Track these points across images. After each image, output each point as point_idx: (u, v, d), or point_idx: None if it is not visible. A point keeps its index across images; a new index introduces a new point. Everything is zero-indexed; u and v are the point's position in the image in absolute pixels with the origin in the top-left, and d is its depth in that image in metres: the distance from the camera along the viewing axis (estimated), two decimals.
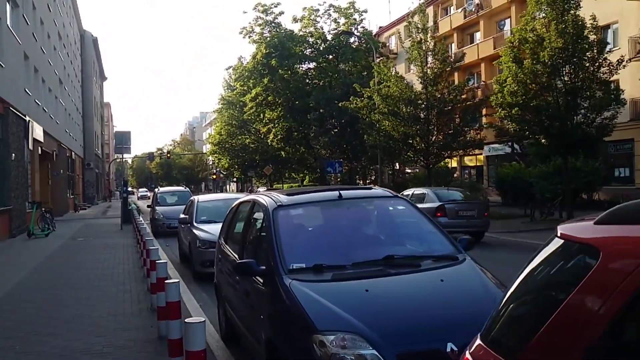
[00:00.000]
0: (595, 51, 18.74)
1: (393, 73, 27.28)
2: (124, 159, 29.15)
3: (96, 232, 23.27)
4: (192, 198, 13.86)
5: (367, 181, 53.65)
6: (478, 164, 45.57)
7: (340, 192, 5.43)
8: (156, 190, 24.58)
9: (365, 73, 39.95)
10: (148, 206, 23.62)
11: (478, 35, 45.18)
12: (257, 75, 44.31)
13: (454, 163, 45.31)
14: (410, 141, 26.30)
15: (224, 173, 73.41)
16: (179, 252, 14.64)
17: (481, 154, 32.44)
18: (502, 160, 41.07)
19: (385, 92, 26.85)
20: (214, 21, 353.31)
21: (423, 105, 26.14)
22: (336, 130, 37.81)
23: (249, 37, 44.35)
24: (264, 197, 5.67)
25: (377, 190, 6.39)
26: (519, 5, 40.95)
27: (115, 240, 19.62)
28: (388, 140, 27.00)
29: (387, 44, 51.10)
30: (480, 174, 45.57)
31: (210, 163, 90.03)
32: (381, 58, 45.05)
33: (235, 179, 74.39)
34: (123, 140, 24.63)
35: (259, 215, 5.60)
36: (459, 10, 46.59)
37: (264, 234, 5.10)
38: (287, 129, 44.72)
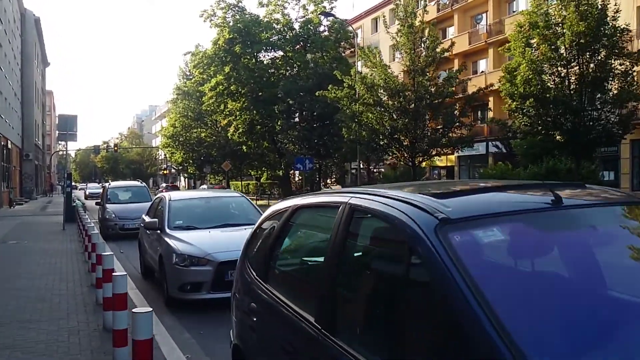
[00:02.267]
0: (618, 37, 16.57)
1: (379, 60, 24.61)
2: (67, 152, 24.87)
3: (33, 232, 19.55)
4: (161, 196, 10.68)
5: (331, 180, 50.99)
6: (449, 164, 43.59)
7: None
8: (106, 185, 20.97)
9: (335, 64, 37.21)
10: (97, 203, 20.05)
11: (452, 30, 43.27)
12: (219, 63, 40.91)
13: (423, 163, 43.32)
14: (397, 136, 23.68)
15: (177, 168, 69.19)
16: (140, 264, 11.44)
17: (452, 153, 30.25)
18: (475, 161, 39.21)
19: (370, 80, 24.13)
20: (169, 5, 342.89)
21: (412, 97, 23.57)
22: (304, 124, 34.82)
23: (210, 20, 40.91)
24: (380, 199, 2.70)
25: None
26: None
27: (57, 244, 16.07)
28: (372, 135, 24.27)
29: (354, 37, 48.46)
30: (452, 175, 43.64)
31: (162, 157, 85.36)
32: (351, 49, 42.51)
33: (186, 175, 70.15)
34: (68, 125, 20.81)
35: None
36: (432, 3, 44.50)
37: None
38: (249, 122, 41.47)
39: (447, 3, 42.82)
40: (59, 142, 20.98)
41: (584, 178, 24.50)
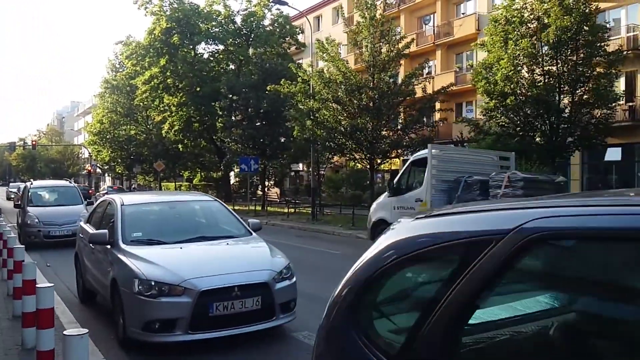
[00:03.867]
0: (600, 35, 15.61)
1: (337, 54, 22.81)
2: None
3: None
4: (108, 199, 8.33)
5: (269, 183, 48.61)
6: (393, 168, 42.47)
7: None
8: (27, 184, 17.90)
9: (280, 61, 35.20)
10: (16, 206, 17.04)
11: (398, 31, 42.24)
12: (154, 54, 37.92)
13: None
14: (357, 135, 21.96)
15: (103, 167, 64.65)
16: (78, 285, 9.03)
17: (397, 157, 28.94)
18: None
19: (328, 75, 22.30)
20: None
21: (374, 95, 21.92)
22: (248, 122, 32.47)
23: (146, 8, 37.83)
24: None
25: None
26: (445, 1, 38.58)
27: None
28: (329, 133, 22.43)
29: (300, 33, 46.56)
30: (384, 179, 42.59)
31: (86, 156, 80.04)
32: (296, 46, 40.65)
33: (113, 175, 65.64)
34: None
35: None
36: (378, 1, 43.31)
37: None
38: (186, 119, 38.66)
39: (394, 3, 41.77)
40: None
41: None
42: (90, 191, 48.74)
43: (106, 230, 6.99)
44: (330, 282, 2.69)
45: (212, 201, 8.24)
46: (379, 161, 23.86)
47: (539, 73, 15.68)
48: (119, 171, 56.95)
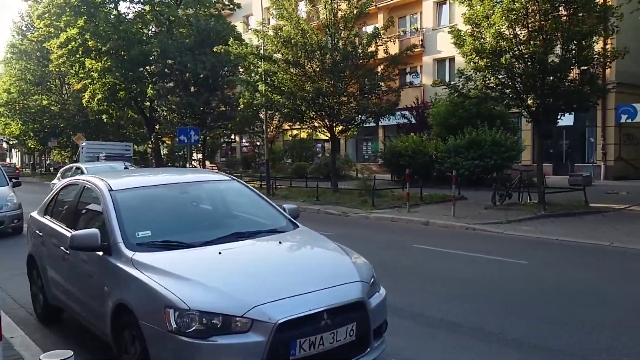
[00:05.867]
0: None
1: (294, 11, 20.39)
2: None
3: None
4: (78, 182, 5.91)
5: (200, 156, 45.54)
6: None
7: None
8: None
9: (214, 22, 32.21)
10: None
11: None
12: (71, 14, 33.67)
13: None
14: (320, 100, 19.85)
15: (11, 142, 58.56)
16: (36, 297, 6.60)
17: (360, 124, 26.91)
18: (365, 133, 36.64)
19: (286, 34, 19.92)
20: None
21: (337, 56, 19.83)
22: (180, 89, 29.29)
23: None
24: None
25: None
26: None
27: None
28: (291, 99, 20.15)
29: None
30: (337, 149, 40.82)
31: None
32: (230, 6, 37.60)
33: (25, 150, 59.59)
34: None
35: None
36: None
37: None
38: (110, 86, 34.88)
39: None
40: None
41: (508, 149, 23.04)
42: (17, 170, 43.96)
43: (96, 230, 4.67)
44: None
45: (230, 181, 5.98)
46: (340, 129, 21.95)
47: (531, 28, 14.28)
48: (32, 145, 51.62)
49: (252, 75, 22.18)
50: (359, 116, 21.08)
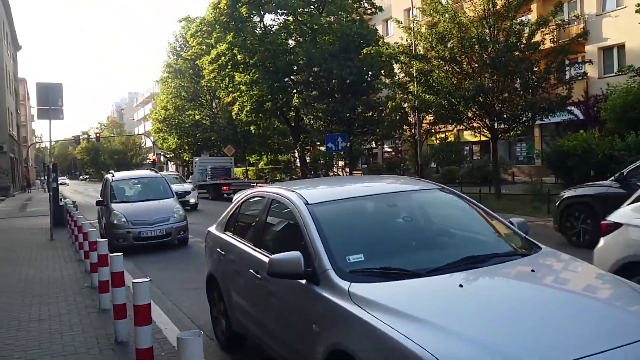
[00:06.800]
0: None
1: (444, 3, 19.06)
2: (50, 137, 18.15)
3: (9, 248, 13.92)
4: (266, 194, 5.15)
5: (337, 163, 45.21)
6: (483, 140, 38.14)
7: None
8: (109, 175, 15.09)
9: (357, 27, 31.57)
10: (98, 203, 14.32)
11: None
12: (220, 30, 35.03)
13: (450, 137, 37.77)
14: (481, 98, 18.23)
15: (168, 156, 62.86)
16: (215, 324, 6.02)
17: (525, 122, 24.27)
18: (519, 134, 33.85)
19: (442, 28, 18.58)
20: None
21: (499, 48, 18.09)
22: (326, 96, 29.02)
23: None
24: None
25: None
26: None
27: (44, 270, 10.50)
28: (448, 98, 18.76)
29: None
30: (487, 151, 38.27)
31: (149, 145, 79.01)
32: (371, 9, 36.88)
33: (179, 163, 63.62)
34: (50, 98, 14.99)
35: None
36: None
37: None
38: (257, 98, 35.70)
39: None
40: (40, 119, 15.55)
41: None
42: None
43: (298, 254, 3.78)
44: None
45: (438, 190, 4.89)
46: (501, 129, 20.09)
47: None
48: (186, 158, 54.90)
49: (401, 76, 21.07)
50: (526, 113, 19.07)
